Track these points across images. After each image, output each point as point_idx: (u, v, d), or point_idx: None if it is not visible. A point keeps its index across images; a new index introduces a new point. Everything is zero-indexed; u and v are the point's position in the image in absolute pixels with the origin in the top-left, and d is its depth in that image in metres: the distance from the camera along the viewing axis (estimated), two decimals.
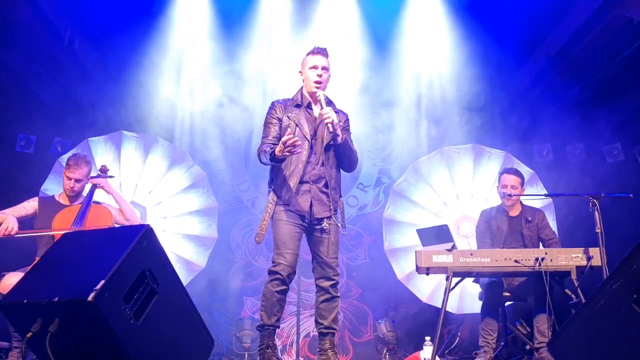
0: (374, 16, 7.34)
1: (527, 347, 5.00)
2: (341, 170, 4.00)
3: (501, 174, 5.19)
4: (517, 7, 6.32)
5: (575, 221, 6.07)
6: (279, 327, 3.81)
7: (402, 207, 6.58)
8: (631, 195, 4.37)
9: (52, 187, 5.98)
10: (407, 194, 6.61)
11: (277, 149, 3.53)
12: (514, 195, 4.98)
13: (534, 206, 5.33)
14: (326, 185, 3.83)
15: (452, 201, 6.56)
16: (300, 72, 4.02)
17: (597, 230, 4.16)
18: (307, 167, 3.78)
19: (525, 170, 6.40)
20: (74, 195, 4.52)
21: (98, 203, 4.57)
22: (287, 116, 3.87)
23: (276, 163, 3.71)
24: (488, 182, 6.51)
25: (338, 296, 3.88)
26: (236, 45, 7.26)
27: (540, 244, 5.08)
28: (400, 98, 7.49)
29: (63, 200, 4.53)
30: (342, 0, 7.34)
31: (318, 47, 3.96)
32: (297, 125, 3.81)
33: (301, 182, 3.77)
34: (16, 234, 4.12)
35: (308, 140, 3.80)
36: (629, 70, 6.03)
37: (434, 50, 7.34)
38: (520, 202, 5.14)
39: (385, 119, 7.64)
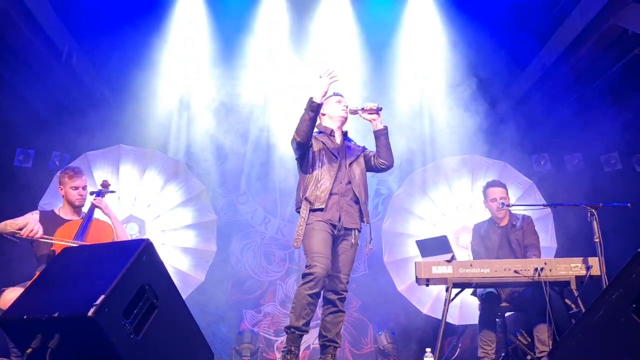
0: (371, 26, 7.39)
1: (528, 357, 4.98)
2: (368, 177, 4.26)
3: (487, 188, 5.13)
4: (513, 18, 6.37)
5: (574, 231, 6.06)
6: (307, 331, 3.86)
7: (401, 219, 6.58)
8: (629, 204, 4.36)
9: (51, 201, 5.95)
10: (406, 205, 6.61)
11: (318, 91, 3.93)
12: (511, 205, 4.97)
13: (522, 213, 5.29)
14: (353, 199, 4.08)
15: (451, 212, 6.56)
16: (322, 113, 4.29)
17: (595, 240, 4.15)
18: (335, 181, 4.03)
19: (523, 180, 6.42)
20: (82, 205, 4.54)
21: (98, 219, 4.57)
22: (315, 138, 4.16)
23: (319, 103, 3.97)
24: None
25: (344, 311, 4.02)
26: (235, 57, 7.30)
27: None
28: (398, 109, 7.51)
29: (63, 214, 4.52)
30: (339, 8, 7.41)
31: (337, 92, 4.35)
32: (324, 144, 4.14)
33: (331, 193, 4.00)
34: (40, 237, 4.11)
35: (336, 158, 4.10)
36: (624, 80, 6.07)
37: (432, 61, 7.39)
38: (508, 211, 5.14)
39: None
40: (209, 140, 7.39)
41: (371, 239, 4.15)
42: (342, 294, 3.98)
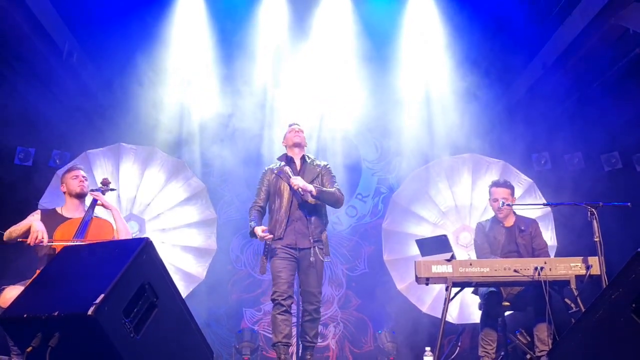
0: (372, 29, 7.38)
1: (528, 356, 4.99)
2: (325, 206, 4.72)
3: (490, 187, 5.15)
4: (514, 18, 6.36)
5: (574, 230, 6.06)
6: (289, 342, 4.45)
7: (401, 217, 6.57)
8: (629, 204, 4.36)
9: (51, 200, 5.94)
10: (406, 204, 6.60)
11: (258, 235, 4.47)
12: (512, 205, 4.97)
13: (528, 217, 5.29)
14: (305, 222, 4.54)
15: (451, 211, 6.55)
16: (283, 142, 4.91)
17: (595, 239, 4.16)
18: (290, 209, 4.54)
19: (524, 180, 6.41)
20: (85, 194, 4.56)
21: (99, 217, 4.57)
22: (274, 174, 4.72)
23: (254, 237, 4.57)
24: (487, 192, 6.49)
25: (318, 317, 4.59)
26: (236, 54, 7.30)
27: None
28: (399, 108, 7.51)
29: (65, 212, 4.52)
30: (340, 11, 7.40)
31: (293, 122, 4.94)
32: (281, 177, 4.63)
33: (288, 221, 4.53)
34: (47, 242, 4.16)
35: (291, 188, 4.53)
36: (625, 79, 6.07)
37: (432, 61, 7.38)
38: (514, 212, 5.11)
39: (384, 129, 7.68)
40: (209, 139, 7.39)
41: (328, 252, 4.62)
42: (316, 305, 4.52)
